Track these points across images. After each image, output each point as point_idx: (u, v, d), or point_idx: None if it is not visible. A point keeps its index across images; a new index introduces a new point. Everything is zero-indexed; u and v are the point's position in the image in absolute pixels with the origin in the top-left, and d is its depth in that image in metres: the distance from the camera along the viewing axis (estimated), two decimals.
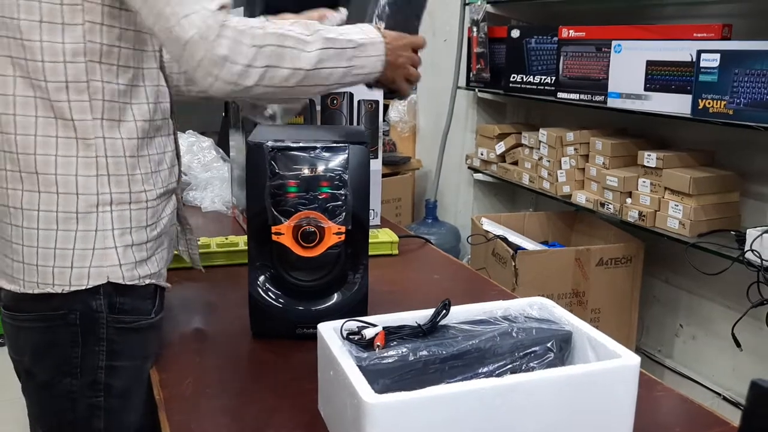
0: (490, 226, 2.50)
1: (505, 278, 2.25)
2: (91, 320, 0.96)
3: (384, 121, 3.39)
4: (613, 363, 0.83)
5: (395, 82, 1.09)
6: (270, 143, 1.06)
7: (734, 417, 0.84)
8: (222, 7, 0.87)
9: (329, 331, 0.88)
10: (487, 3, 2.79)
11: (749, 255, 1.83)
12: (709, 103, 1.88)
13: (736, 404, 2.18)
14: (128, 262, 0.97)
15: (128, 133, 0.96)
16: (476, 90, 2.97)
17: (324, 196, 1.06)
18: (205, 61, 0.86)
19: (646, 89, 2.11)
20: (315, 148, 1.07)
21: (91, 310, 0.96)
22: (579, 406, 0.81)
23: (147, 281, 1.00)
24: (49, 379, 0.98)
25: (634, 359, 0.83)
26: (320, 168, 1.06)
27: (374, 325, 0.89)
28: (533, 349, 0.90)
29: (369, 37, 1.03)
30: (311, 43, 0.94)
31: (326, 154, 1.07)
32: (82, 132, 0.93)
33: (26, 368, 1.01)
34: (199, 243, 1.47)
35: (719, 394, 2.27)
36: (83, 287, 0.95)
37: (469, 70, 2.95)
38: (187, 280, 1.41)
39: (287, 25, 0.95)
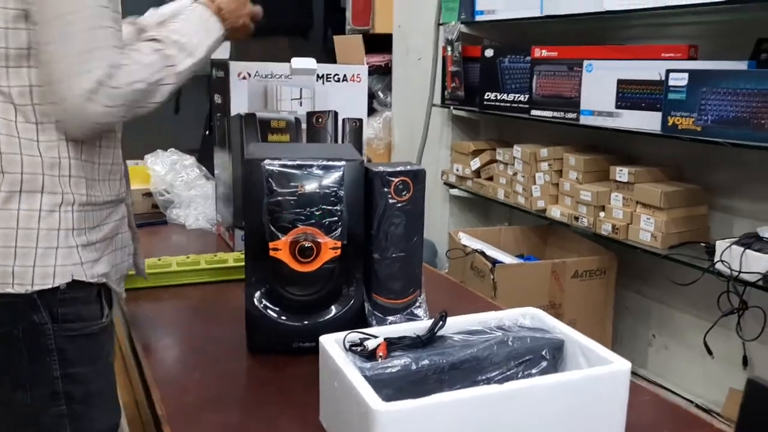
0: (467, 240, 2.55)
1: (483, 291, 2.29)
2: (36, 333, 0.96)
3: None
4: (607, 368, 0.87)
5: (241, 36, 1.22)
6: (267, 161, 1.09)
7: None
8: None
9: (332, 343, 0.91)
10: (461, 23, 2.85)
11: (719, 266, 1.90)
12: (678, 120, 1.96)
13: (707, 411, 2.25)
14: (87, 260, 0.99)
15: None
16: (451, 107, 3.03)
17: (320, 212, 1.08)
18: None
19: (617, 107, 2.19)
20: (311, 165, 1.10)
21: (34, 324, 0.95)
22: (575, 409, 0.84)
23: (102, 280, 1.01)
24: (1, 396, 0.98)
25: (625, 364, 0.87)
26: (316, 185, 1.09)
27: (375, 337, 0.92)
28: (528, 357, 0.94)
29: (203, 17, 1.12)
30: (175, 62, 1.03)
31: (322, 172, 1.10)
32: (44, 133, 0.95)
33: None
34: (188, 260, 1.49)
35: (691, 401, 2.34)
36: (48, 287, 0.94)
37: (444, 88, 3.01)
38: (178, 297, 1.42)
39: (150, 50, 1.01)
